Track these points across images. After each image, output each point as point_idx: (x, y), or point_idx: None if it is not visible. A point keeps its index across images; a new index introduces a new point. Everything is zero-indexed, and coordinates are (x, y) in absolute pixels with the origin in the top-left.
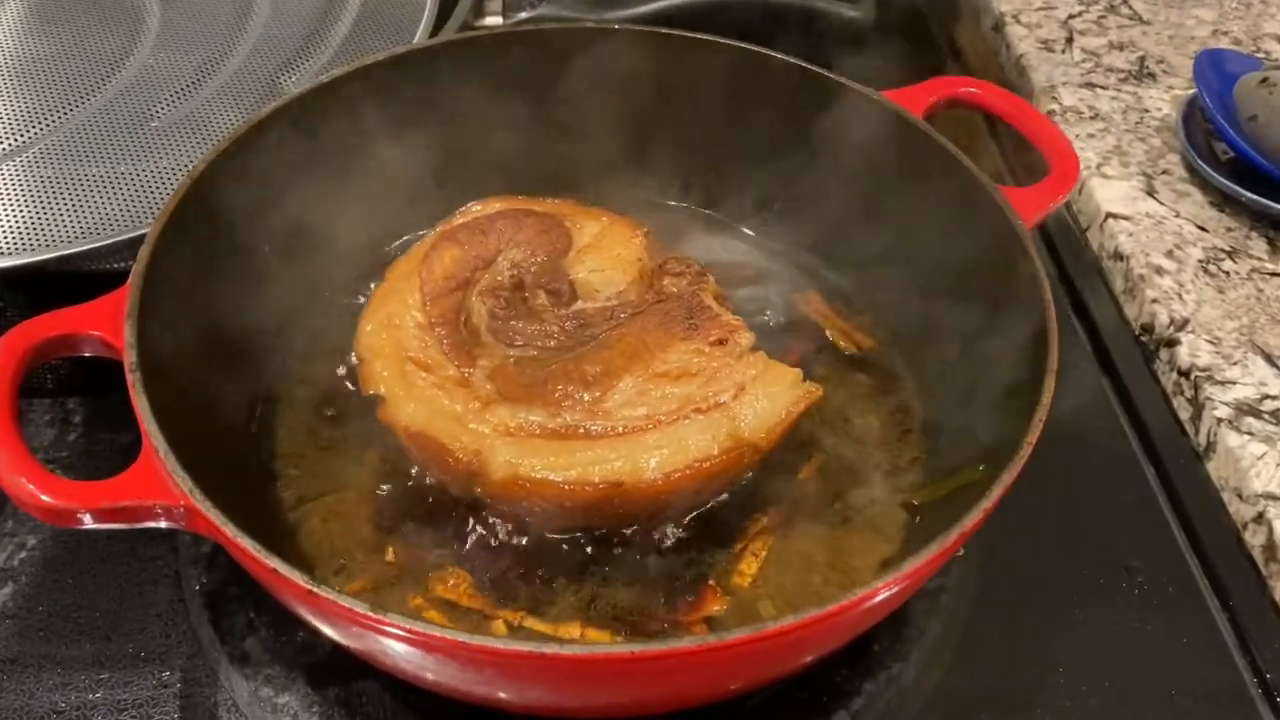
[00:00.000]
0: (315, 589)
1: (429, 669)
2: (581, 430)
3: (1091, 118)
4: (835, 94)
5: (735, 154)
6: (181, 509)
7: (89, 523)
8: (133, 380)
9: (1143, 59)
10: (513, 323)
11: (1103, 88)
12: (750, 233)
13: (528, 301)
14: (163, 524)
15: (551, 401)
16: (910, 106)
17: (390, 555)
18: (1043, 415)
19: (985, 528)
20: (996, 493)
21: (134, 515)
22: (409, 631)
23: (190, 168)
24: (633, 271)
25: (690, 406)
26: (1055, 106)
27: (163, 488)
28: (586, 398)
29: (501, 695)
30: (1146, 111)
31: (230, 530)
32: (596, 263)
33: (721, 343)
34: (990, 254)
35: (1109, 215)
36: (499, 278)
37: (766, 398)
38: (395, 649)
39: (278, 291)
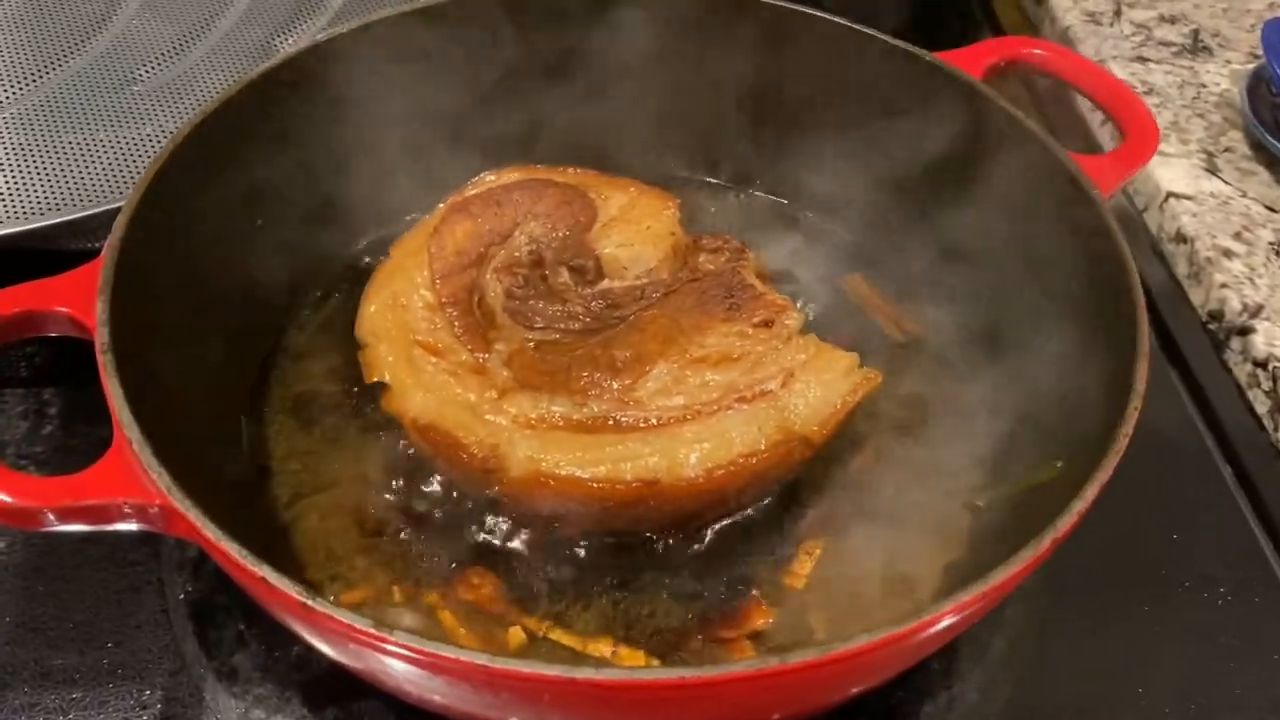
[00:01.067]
0: (310, 602)
1: (440, 692)
2: (611, 421)
3: (1145, 93)
4: (883, 56)
5: (771, 123)
6: (157, 509)
7: (53, 523)
8: (104, 362)
9: (1196, 32)
10: (532, 303)
11: (1155, 62)
12: (786, 208)
13: (548, 280)
14: (135, 526)
15: (576, 390)
16: (966, 69)
17: (394, 560)
18: (1137, 404)
19: None
20: (1092, 491)
21: (103, 515)
22: (416, 652)
23: (174, 133)
24: (664, 246)
25: (733, 395)
26: None
27: (135, 484)
28: (616, 385)
29: None
30: (1204, 86)
31: (212, 532)
32: (624, 237)
33: (767, 324)
34: (1061, 228)
35: (1170, 195)
36: (516, 253)
37: (819, 385)
38: (400, 670)
39: (272, 268)
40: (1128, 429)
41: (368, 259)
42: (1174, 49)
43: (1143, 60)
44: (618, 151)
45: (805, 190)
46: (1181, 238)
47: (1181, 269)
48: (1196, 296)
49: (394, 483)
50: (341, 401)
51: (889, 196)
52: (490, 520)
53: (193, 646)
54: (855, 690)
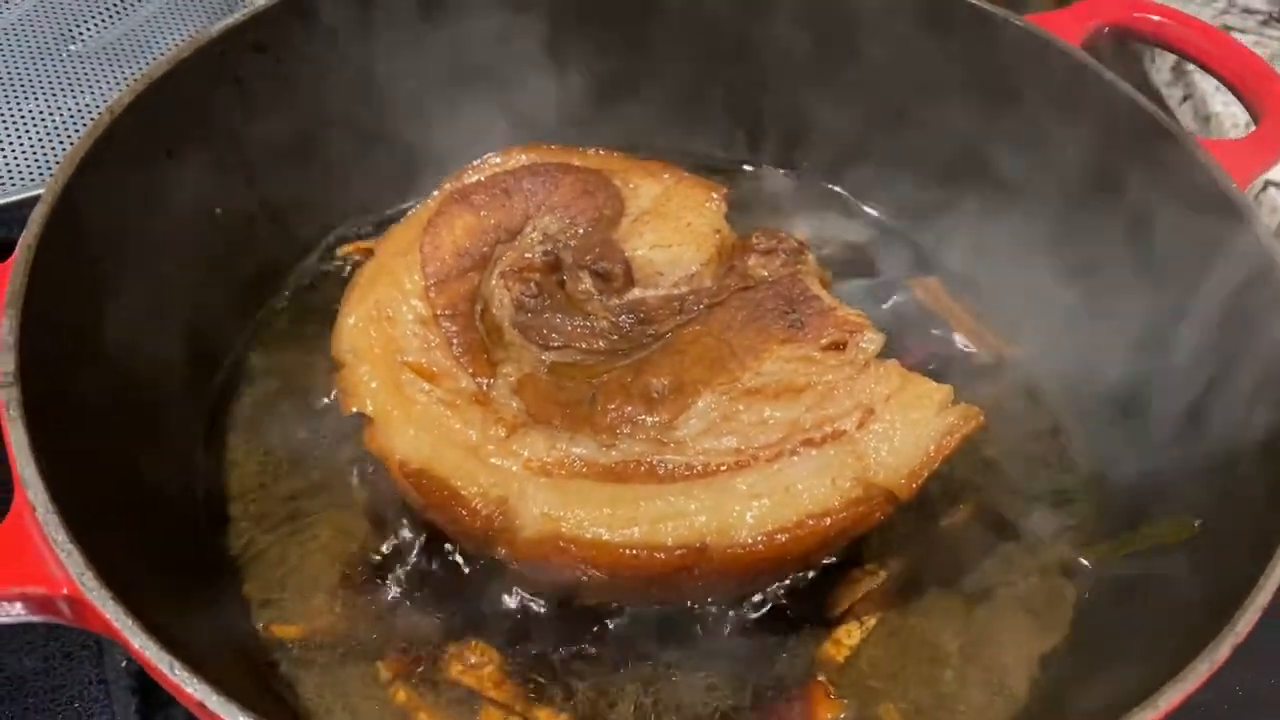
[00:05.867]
0: None
1: None
2: (645, 467)
3: None
4: (963, 18)
5: (822, 94)
6: (64, 598)
7: None
8: (6, 399)
9: None
10: (547, 316)
11: (1241, 31)
12: (844, 196)
13: (566, 287)
14: (30, 618)
15: (603, 426)
16: (1063, 34)
17: (375, 621)
18: None
19: None
20: (1274, 579)
21: None
22: None
23: (114, 101)
24: (709, 247)
25: (799, 436)
26: None
27: (36, 566)
28: (651, 422)
29: None
30: None
31: (137, 639)
32: (660, 235)
33: (838, 346)
34: (1186, 226)
35: (1268, 184)
36: (528, 254)
37: (905, 425)
38: None
39: (235, 268)
40: None
41: (348, 257)
42: (1260, 17)
43: (1226, 29)
44: (636, 131)
45: (866, 173)
46: None
47: None
48: None
49: (380, 531)
50: (318, 429)
51: (972, 184)
52: (497, 583)
53: None
54: None
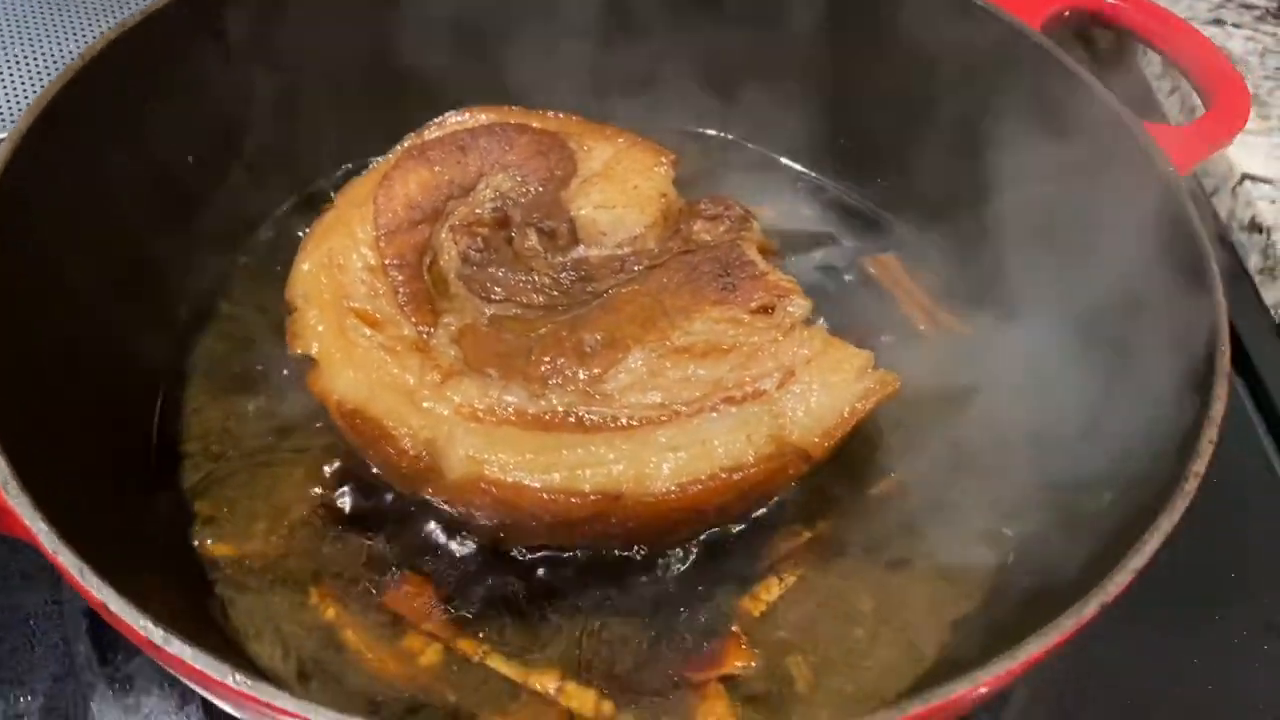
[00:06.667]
0: (156, 639)
1: None
2: (573, 418)
3: None
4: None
5: (792, 73)
6: None
7: None
8: None
9: None
10: (491, 270)
11: (1235, 25)
12: (808, 174)
13: (514, 244)
14: None
15: (535, 377)
16: (1025, 17)
17: (313, 553)
18: (1213, 436)
19: None
20: (1151, 546)
21: None
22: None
23: (81, 52)
24: (653, 210)
25: (720, 394)
26: None
27: None
28: (582, 375)
29: None
30: None
31: (47, 538)
32: (606, 196)
33: (766, 310)
34: (1128, 210)
35: (1245, 177)
36: (478, 210)
37: (823, 387)
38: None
39: (207, 215)
40: (1199, 466)
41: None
42: (1256, 13)
43: (1220, 24)
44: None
45: (832, 153)
46: (1256, 226)
47: (1254, 262)
48: (1270, 295)
49: (325, 469)
50: (280, 376)
51: (931, 166)
52: (435, 523)
53: (85, 647)
54: None
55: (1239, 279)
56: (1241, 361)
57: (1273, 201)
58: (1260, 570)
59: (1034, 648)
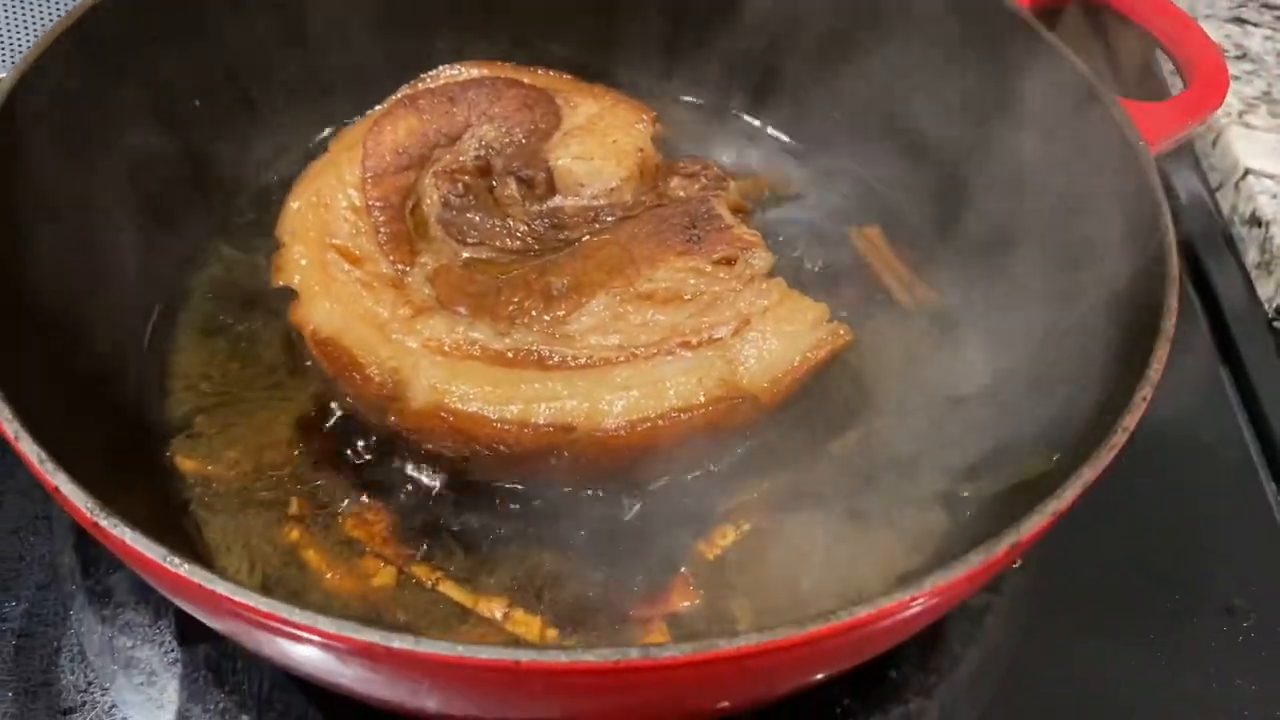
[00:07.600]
0: (100, 520)
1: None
2: (534, 356)
3: (1238, 57)
4: None
5: (785, 48)
6: None
7: None
8: None
9: None
10: (469, 215)
11: (1255, 24)
12: (800, 146)
13: (494, 191)
14: None
15: (501, 316)
16: None
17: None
18: (1147, 394)
19: (1052, 537)
20: (1071, 492)
21: None
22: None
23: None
24: (629, 164)
25: (677, 339)
26: None
27: None
28: (547, 316)
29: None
30: None
31: (17, 434)
32: (585, 148)
33: (728, 262)
34: (1100, 185)
35: (1248, 171)
36: (462, 158)
37: (777, 336)
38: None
39: (210, 158)
40: (1129, 422)
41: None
42: (1277, 12)
43: (1240, 22)
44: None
45: (823, 126)
46: (1256, 220)
47: (1252, 257)
48: (1265, 289)
49: (308, 405)
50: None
51: (917, 140)
52: (400, 456)
53: (69, 559)
54: (768, 689)
55: (1237, 274)
56: (1229, 353)
57: (1274, 196)
58: (1247, 566)
59: (939, 580)
